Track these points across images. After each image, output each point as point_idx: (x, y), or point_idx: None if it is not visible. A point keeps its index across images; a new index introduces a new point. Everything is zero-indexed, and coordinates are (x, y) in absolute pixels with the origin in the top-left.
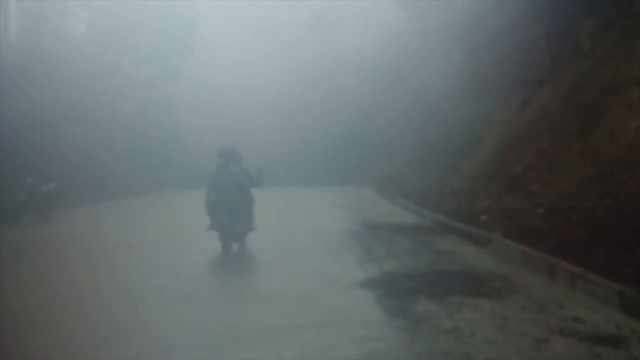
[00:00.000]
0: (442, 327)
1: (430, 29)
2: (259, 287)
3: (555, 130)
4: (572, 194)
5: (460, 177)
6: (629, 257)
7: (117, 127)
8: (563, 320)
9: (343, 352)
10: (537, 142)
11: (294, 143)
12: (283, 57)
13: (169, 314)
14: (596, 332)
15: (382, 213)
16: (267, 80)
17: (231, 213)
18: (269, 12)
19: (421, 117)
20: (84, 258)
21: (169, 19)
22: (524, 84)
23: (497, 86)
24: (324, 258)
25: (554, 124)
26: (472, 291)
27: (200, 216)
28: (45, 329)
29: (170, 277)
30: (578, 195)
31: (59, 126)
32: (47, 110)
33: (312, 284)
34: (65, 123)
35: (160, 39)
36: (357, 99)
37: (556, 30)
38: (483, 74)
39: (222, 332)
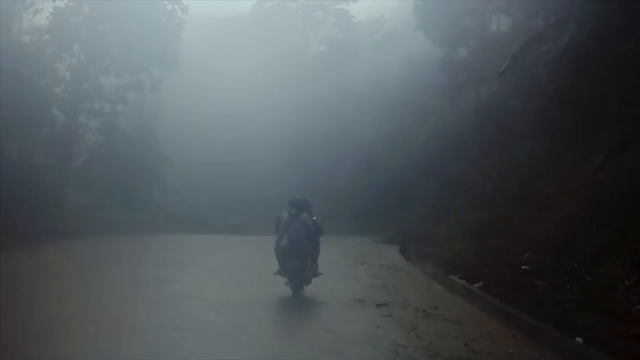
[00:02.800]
0: None
1: (460, 57)
2: None
3: None
4: None
5: (524, 243)
6: None
7: (74, 146)
8: None
9: None
10: None
11: (295, 183)
12: (290, 86)
13: None
14: None
15: (461, 328)
16: (270, 108)
17: (302, 259)
18: (280, 39)
19: (443, 159)
20: None
21: (147, 14)
22: (610, 119)
23: (556, 124)
24: None
25: None
26: None
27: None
28: None
29: None
30: None
31: None
32: None
33: None
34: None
35: (135, 40)
36: (369, 136)
37: None
38: (535, 109)
39: None
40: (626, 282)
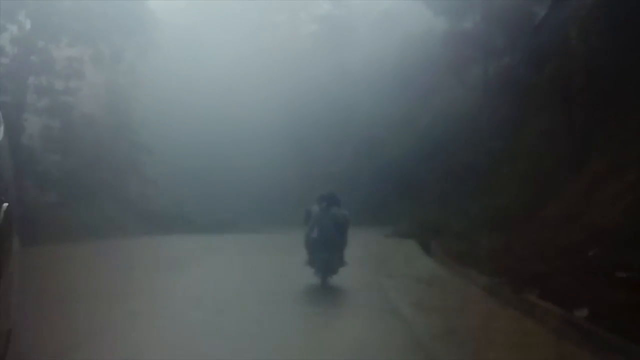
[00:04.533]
0: None
1: (465, 28)
2: None
3: None
4: None
5: (578, 235)
6: None
7: (20, 133)
8: None
9: None
10: None
11: (290, 173)
12: (282, 69)
13: None
14: None
15: None
16: (262, 93)
17: (331, 251)
18: (269, 18)
19: (450, 141)
20: None
21: None
22: None
23: (587, 93)
24: None
25: None
26: None
27: None
28: None
29: None
30: None
31: None
32: None
33: None
34: None
35: (98, 12)
36: (369, 119)
37: None
38: (559, 77)
39: None
40: None
